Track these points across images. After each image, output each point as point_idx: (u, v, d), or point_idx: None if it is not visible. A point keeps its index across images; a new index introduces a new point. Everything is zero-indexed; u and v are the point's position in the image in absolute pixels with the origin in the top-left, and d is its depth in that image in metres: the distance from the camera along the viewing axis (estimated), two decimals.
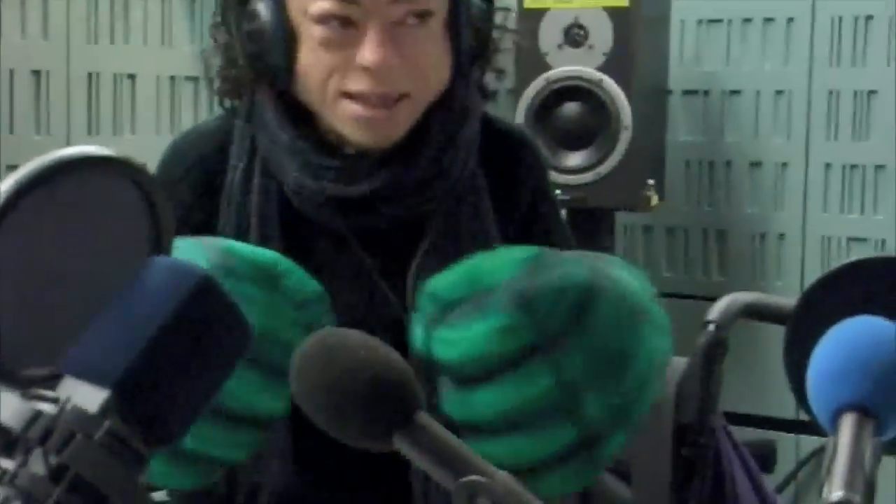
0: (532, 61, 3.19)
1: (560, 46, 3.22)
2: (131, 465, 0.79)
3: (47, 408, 0.79)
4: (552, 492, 1.32)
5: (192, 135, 1.62)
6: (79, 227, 0.84)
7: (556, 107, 3.22)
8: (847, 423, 0.96)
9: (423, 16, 1.48)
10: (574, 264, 1.37)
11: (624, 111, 3.08)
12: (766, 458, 2.97)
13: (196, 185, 1.55)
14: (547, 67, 3.23)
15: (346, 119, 1.49)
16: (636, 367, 1.36)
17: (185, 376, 0.83)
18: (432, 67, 1.51)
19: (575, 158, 3.17)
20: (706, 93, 3.38)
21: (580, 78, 3.18)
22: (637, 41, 3.12)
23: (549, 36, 3.23)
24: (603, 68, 3.12)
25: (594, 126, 3.15)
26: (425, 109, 1.53)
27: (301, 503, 1.52)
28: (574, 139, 3.19)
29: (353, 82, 1.47)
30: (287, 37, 1.48)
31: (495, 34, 1.58)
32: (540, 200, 1.67)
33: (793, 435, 3.14)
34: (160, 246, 0.88)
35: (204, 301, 0.83)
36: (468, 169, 1.57)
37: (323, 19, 1.46)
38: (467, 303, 1.35)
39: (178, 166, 1.57)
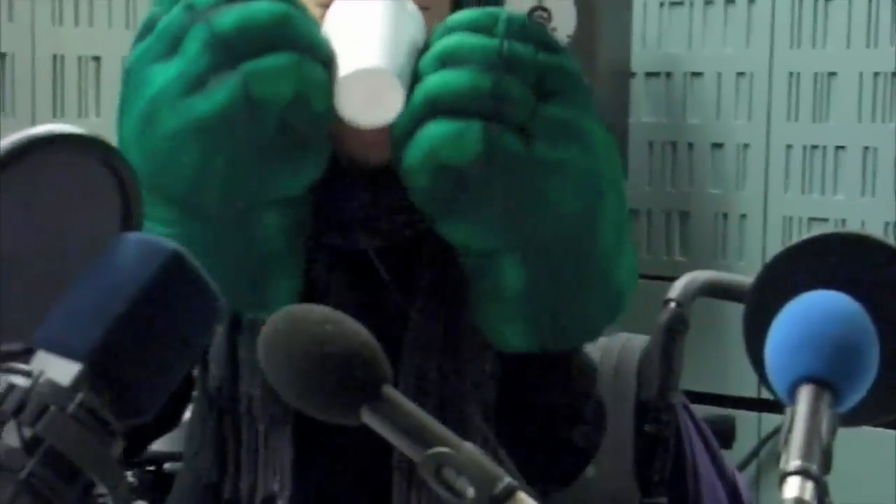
0: None
1: None
2: (104, 438, 0.81)
3: (21, 381, 0.80)
4: None
5: None
6: (50, 204, 0.85)
7: None
8: (804, 395, 0.97)
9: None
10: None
11: None
12: (725, 433, 2.99)
13: None
14: None
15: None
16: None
17: (155, 350, 0.84)
18: None
19: None
20: (668, 75, 3.39)
21: None
22: (600, 24, 3.13)
23: None
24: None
25: None
26: None
27: None
28: None
29: None
30: None
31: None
32: None
33: (754, 413, 3.16)
34: (130, 222, 0.89)
35: (173, 275, 0.84)
36: None
37: None
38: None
39: None
